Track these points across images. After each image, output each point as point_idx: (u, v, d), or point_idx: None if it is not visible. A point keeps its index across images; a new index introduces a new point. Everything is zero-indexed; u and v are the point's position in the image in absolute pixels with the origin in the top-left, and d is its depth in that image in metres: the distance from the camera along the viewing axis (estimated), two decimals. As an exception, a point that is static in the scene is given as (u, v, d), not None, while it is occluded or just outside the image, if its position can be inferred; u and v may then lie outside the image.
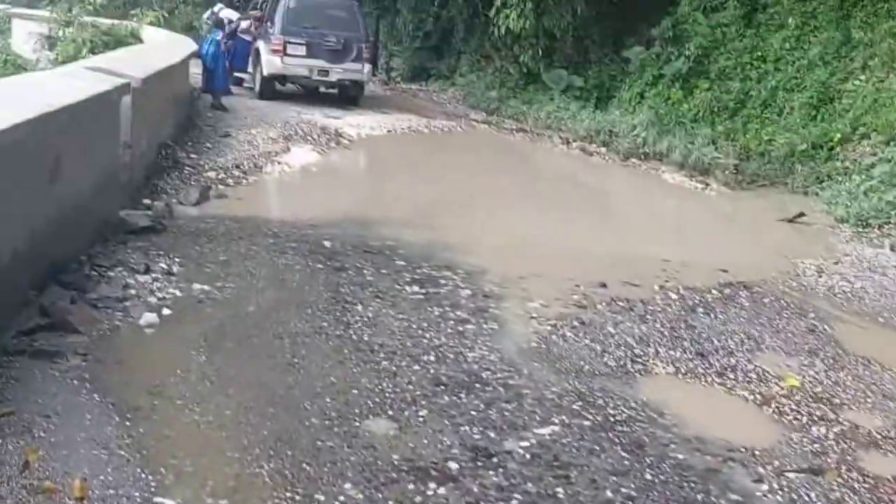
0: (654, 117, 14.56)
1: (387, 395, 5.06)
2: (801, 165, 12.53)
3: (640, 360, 5.96)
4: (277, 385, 5.06)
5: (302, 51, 17.74)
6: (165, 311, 5.99)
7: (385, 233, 8.79)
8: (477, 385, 5.29)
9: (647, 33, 19.38)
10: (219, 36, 15.87)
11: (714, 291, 7.60)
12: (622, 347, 6.15)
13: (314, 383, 5.12)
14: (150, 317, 5.82)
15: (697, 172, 13.18)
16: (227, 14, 17.44)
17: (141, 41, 13.16)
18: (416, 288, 7.06)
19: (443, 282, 7.31)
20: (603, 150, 15.42)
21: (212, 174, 10.74)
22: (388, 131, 16.18)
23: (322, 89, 19.13)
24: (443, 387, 5.22)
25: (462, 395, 5.13)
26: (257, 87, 18.33)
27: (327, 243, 8.17)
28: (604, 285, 7.53)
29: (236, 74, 18.45)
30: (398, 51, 23.93)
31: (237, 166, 11.35)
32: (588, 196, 12.63)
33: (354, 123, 16.26)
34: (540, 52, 20.51)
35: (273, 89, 18.20)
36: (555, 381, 5.47)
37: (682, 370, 5.88)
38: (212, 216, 8.85)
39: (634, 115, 15.89)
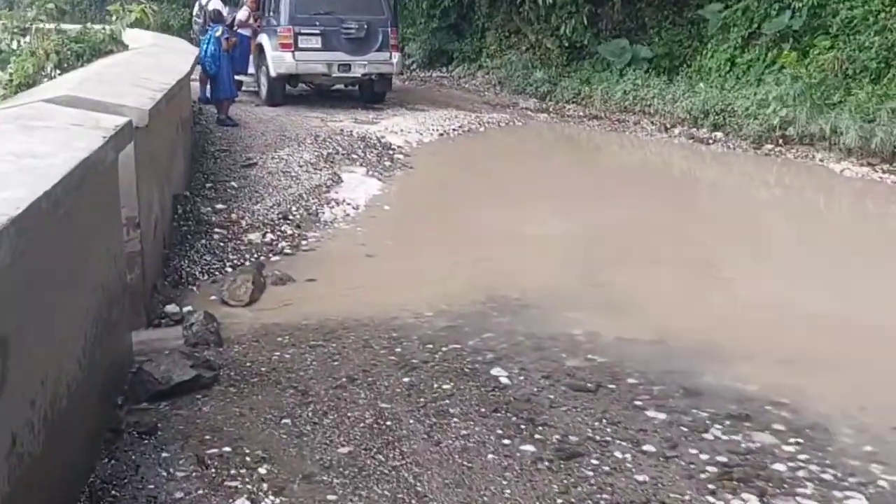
0: (801, 89, 10.83)
1: None
2: None
3: None
4: None
5: (316, 42, 13.89)
6: None
7: (562, 326, 5.23)
8: None
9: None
10: (218, 32, 11.98)
11: None
12: None
13: None
14: None
15: (882, 160, 9.53)
16: (216, 4, 13.56)
17: (125, 47, 9.25)
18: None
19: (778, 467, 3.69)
20: (718, 135, 11.76)
21: (254, 236, 7.00)
22: (441, 135, 12.46)
23: (340, 86, 15.34)
24: None
25: None
26: (263, 92, 14.49)
27: (503, 376, 4.55)
28: None
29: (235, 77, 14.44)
30: (412, 33, 20.01)
31: (284, 217, 7.60)
32: (792, 215, 8.90)
33: (395, 128, 12.53)
34: (585, 20, 16.78)
35: (283, 92, 14.36)
36: None
37: None
38: (284, 328, 5.19)
39: (758, 87, 12.19)
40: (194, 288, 5.94)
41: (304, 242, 7.05)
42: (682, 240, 7.45)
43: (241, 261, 6.52)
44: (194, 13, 14.94)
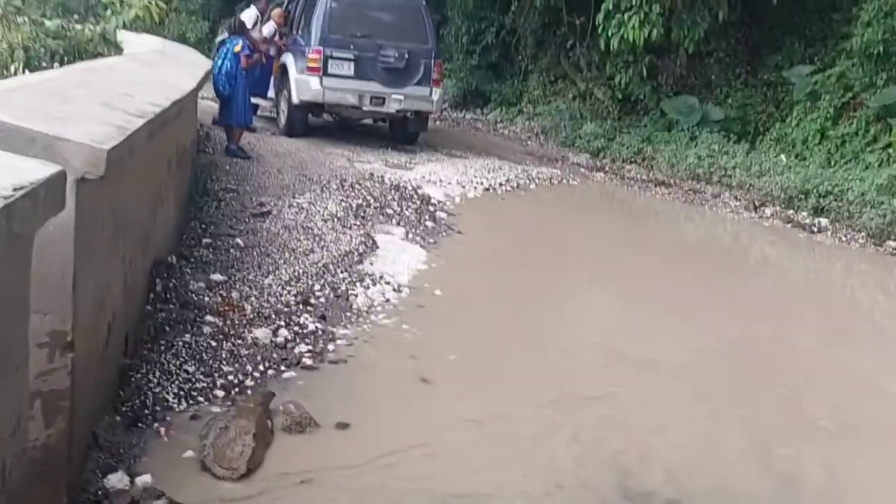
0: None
1: None
2: None
3: None
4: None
5: (349, 69, 11.75)
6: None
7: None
8: None
9: (802, 48, 13.68)
10: (237, 46, 9.83)
11: None
12: None
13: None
14: None
15: None
16: (248, 16, 11.44)
17: (118, 50, 7.04)
18: None
19: None
20: (823, 222, 9.59)
21: (261, 333, 4.77)
22: (486, 189, 10.30)
23: (368, 121, 13.21)
24: None
25: None
26: (282, 120, 12.33)
27: None
28: None
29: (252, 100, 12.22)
30: (448, 69, 17.98)
31: (305, 301, 5.37)
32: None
33: (433, 177, 10.39)
34: (644, 71, 14.71)
35: (305, 123, 12.21)
36: None
37: None
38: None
39: (864, 169, 10.06)
40: (162, 431, 3.69)
41: (330, 347, 4.81)
42: (860, 382, 5.22)
43: (239, 377, 4.29)
44: (223, 28, 12.75)
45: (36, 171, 2.39)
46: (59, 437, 3.01)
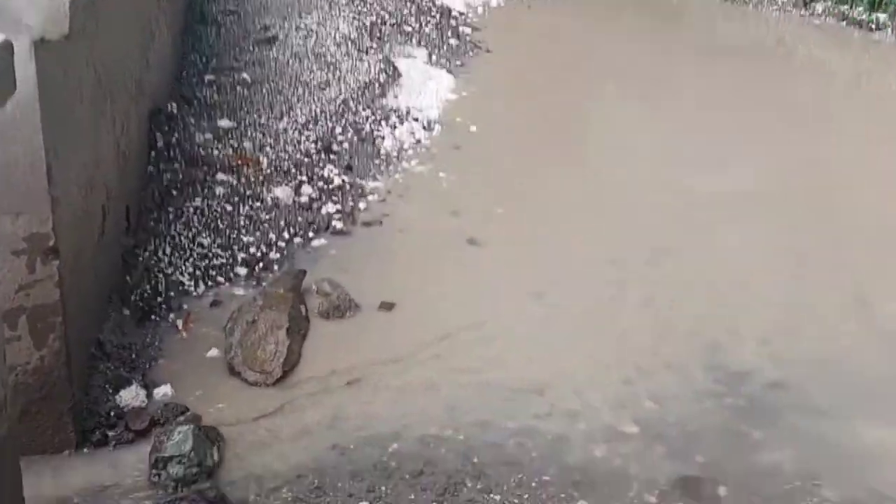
0: None
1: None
2: None
3: None
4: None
5: None
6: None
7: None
8: None
9: None
10: None
11: None
12: None
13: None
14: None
15: None
16: None
17: None
18: None
19: None
20: (881, 18, 8.61)
21: (282, 192, 4.18)
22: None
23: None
24: None
25: None
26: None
27: None
28: None
29: None
30: None
31: (327, 148, 4.72)
32: None
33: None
34: None
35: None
36: None
37: None
38: (353, 459, 2.44)
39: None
40: (179, 324, 3.17)
41: (361, 206, 4.20)
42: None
43: (262, 249, 3.72)
44: None
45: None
46: (53, 358, 2.49)
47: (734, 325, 3.43)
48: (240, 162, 4.36)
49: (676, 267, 3.89)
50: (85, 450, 2.57)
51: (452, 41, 7.25)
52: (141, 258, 3.47)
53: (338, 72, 5.95)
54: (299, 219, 3.98)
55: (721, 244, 4.10)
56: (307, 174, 4.38)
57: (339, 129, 5.00)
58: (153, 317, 3.20)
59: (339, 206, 4.13)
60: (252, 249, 3.71)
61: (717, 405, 2.91)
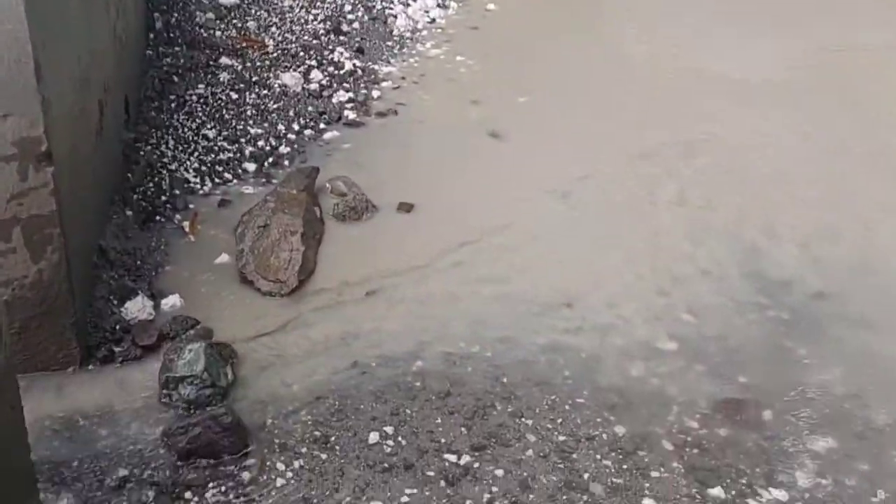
0: None
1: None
2: None
3: None
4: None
5: None
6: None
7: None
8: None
9: None
10: None
11: None
12: None
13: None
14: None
15: None
16: None
17: None
18: None
19: None
20: None
21: (290, 78, 3.90)
22: None
23: None
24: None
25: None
26: None
27: None
28: None
29: None
30: None
31: (336, 29, 4.40)
32: None
33: None
34: None
35: None
36: None
37: None
38: (379, 379, 2.31)
39: None
40: (185, 226, 2.97)
41: (375, 94, 3.92)
42: None
43: (271, 142, 3.48)
44: None
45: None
46: (52, 271, 2.30)
47: (772, 226, 3.22)
48: (244, 44, 4.05)
49: (710, 161, 3.64)
50: (90, 367, 2.42)
51: None
52: (142, 153, 3.23)
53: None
54: (309, 108, 3.72)
55: (755, 135, 3.84)
56: (316, 58, 4.08)
57: (348, 7, 4.65)
58: (158, 218, 2.99)
59: (351, 94, 3.86)
60: (260, 143, 3.47)
61: (759, 318, 2.73)
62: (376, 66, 4.15)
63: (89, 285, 2.56)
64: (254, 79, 3.84)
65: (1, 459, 1.78)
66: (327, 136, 3.58)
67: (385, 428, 2.27)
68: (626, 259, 3.03)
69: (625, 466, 2.18)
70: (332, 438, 2.24)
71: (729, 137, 3.78)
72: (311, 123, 3.63)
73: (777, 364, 2.54)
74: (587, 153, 3.63)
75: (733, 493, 2.12)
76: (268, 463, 2.17)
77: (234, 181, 3.26)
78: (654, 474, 2.16)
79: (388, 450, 2.22)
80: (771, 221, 3.26)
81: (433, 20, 4.72)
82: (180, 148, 3.36)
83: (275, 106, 3.70)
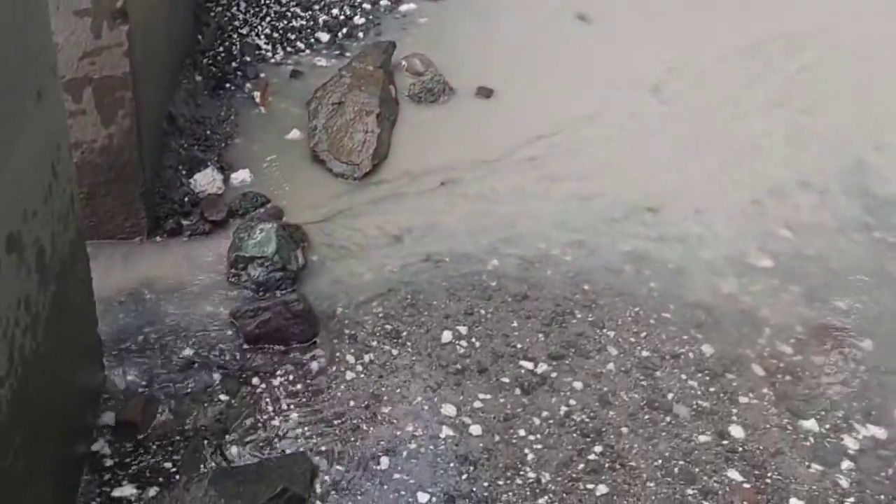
0: None
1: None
2: None
3: None
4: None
5: None
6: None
7: None
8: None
9: None
10: None
11: None
12: None
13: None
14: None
15: None
16: None
17: None
18: None
19: None
20: None
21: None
22: None
23: None
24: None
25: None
26: None
27: None
28: None
29: None
30: None
31: None
32: None
33: None
34: None
35: None
36: None
37: None
38: (475, 286, 2.18)
39: None
40: (256, 96, 2.81)
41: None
42: None
43: (346, 11, 3.26)
44: None
45: None
46: (123, 137, 2.19)
47: (881, 138, 2.96)
48: None
49: (816, 59, 3.33)
50: (157, 238, 2.33)
51: None
52: (213, 14, 3.05)
53: None
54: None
55: (870, 33, 3.50)
56: None
57: None
58: (227, 85, 2.84)
59: None
60: (334, 11, 3.25)
61: (863, 239, 2.53)
62: None
63: (158, 154, 2.44)
64: None
65: (69, 334, 1.71)
66: (403, 7, 3.35)
67: (459, 327, 2.17)
68: (719, 163, 2.81)
69: (712, 389, 2.06)
70: (404, 334, 2.14)
71: (841, 33, 3.45)
72: (386, -5, 3.39)
73: (881, 290, 2.36)
74: (682, 43, 3.34)
75: (827, 426, 1.99)
76: (337, 354, 2.08)
77: (307, 51, 3.07)
78: (743, 400, 2.03)
79: (462, 350, 2.11)
80: (881, 132, 2.99)
81: None
82: (252, 11, 3.16)
83: (348, -31, 3.45)
